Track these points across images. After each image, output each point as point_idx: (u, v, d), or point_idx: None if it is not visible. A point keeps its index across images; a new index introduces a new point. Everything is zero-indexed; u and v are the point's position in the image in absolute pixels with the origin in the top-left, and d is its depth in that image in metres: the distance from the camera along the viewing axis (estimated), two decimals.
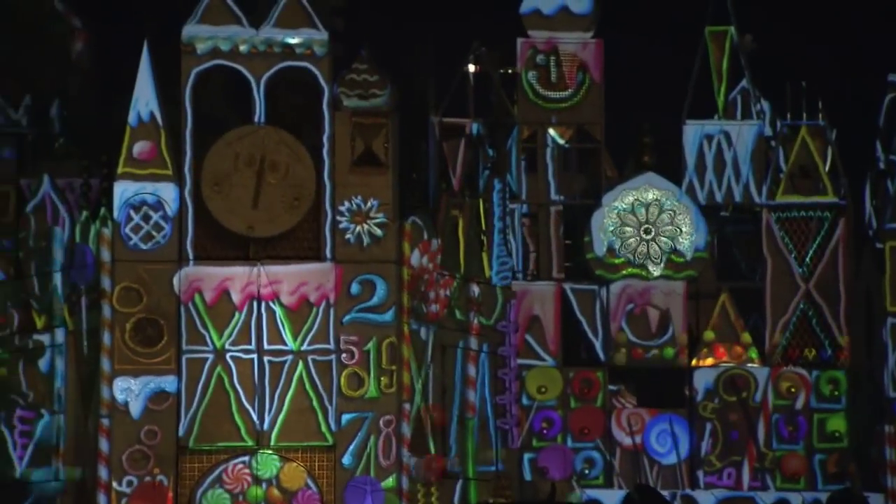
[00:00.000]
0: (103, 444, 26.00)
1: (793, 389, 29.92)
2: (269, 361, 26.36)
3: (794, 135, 30.71)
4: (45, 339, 26.96)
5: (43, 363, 26.99)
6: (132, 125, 26.72)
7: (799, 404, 29.97)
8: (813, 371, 30.07)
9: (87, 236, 26.77)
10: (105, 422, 26.04)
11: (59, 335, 26.85)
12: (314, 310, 26.47)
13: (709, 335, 30.07)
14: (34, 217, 27.61)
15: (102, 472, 25.98)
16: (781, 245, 30.36)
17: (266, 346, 26.35)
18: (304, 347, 26.45)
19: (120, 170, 26.61)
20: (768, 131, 30.95)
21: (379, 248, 26.63)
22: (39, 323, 27.10)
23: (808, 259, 30.34)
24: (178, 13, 27.08)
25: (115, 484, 25.97)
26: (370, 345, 26.50)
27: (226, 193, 26.41)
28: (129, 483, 26.02)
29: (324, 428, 26.30)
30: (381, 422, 26.36)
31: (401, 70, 28.62)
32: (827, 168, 30.54)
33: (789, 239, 30.42)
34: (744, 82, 31.07)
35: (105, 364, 26.24)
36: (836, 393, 29.95)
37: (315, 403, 26.34)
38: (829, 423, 29.93)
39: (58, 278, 26.94)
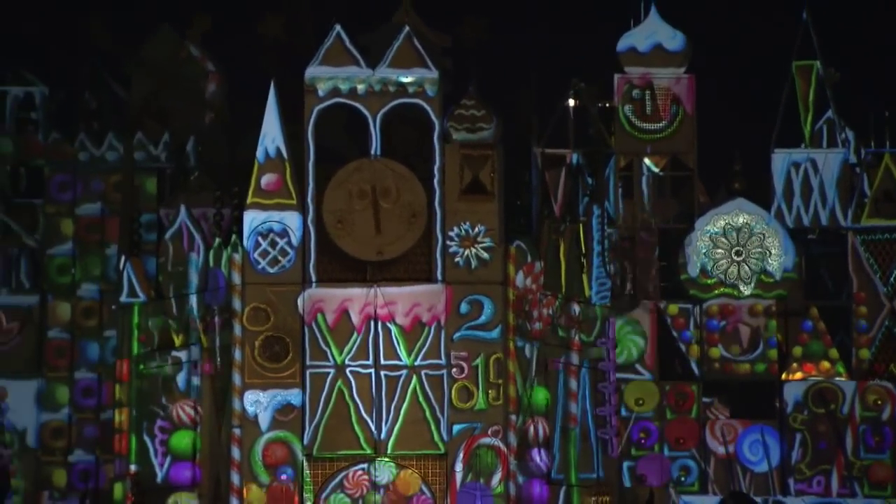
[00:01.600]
0: (235, 452, 26.39)
1: (879, 402, 29.75)
2: (386, 376, 26.67)
3: (878, 161, 30.65)
4: (182, 355, 27.25)
5: (180, 378, 27.22)
6: (260, 160, 27.15)
7: (885, 416, 29.81)
8: None
9: (220, 261, 27.05)
10: (236, 431, 26.41)
11: (195, 352, 27.16)
12: (426, 328, 26.76)
13: (798, 351, 30.03)
14: (172, 244, 27.78)
15: (234, 478, 26.39)
16: (866, 266, 30.37)
17: (382, 362, 26.66)
18: (417, 363, 26.73)
19: (249, 200, 27.02)
20: (853, 158, 30.90)
21: (486, 271, 26.90)
22: (177, 341, 27.40)
23: (892, 279, 30.29)
24: (301, 56, 27.45)
25: (245, 489, 26.35)
26: (478, 360, 26.75)
27: (349, 228, 26.77)
28: (260, 487, 26.31)
29: (436, 437, 26.59)
30: (489, 432, 26.54)
31: (505, 105, 28.68)
32: None
33: (874, 260, 30.38)
34: (829, 113, 31.07)
35: (236, 378, 26.63)
36: None
37: (428, 415, 26.63)
38: None
39: (193, 300, 27.16)
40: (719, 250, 30.07)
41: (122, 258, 28.31)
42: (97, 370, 30.12)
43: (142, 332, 27.53)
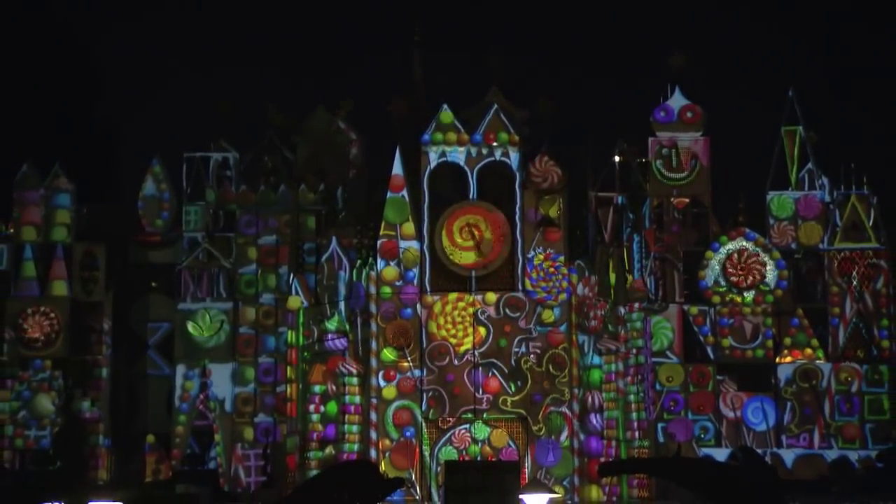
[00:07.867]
0: (372, 416, 28.03)
1: (849, 378, 30.87)
2: (482, 360, 27.70)
3: (847, 200, 31.51)
4: (335, 344, 28.38)
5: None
6: (388, 204, 28.59)
7: (853, 389, 30.66)
8: (863, 365, 30.86)
9: (361, 277, 28.39)
10: (374, 401, 27.93)
11: (344, 343, 28.28)
12: (511, 324, 28.05)
13: (787, 341, 30.87)
14: (326, 265, 29.21)
15: (372, 434, 27.92)
16: (839, 277, 31.20)
17: (479, 349, 27.69)
18: (505, 349, 27.99)
19: (381, 233, 28.47)
20: (828, 198, 31.64)
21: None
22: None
23: (855, 286, 31.06)
24: (419, 126, 28.74)
25: (380, 443, 27.78)
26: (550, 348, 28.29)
27: (459, 253, 28.16)
28: (391, 442, 27.68)
29: (519, 405, 27.87)
30: (558, 401, 27.67)
31: (569, 161, 29.78)
32: (871, 223, 31.19)
33: (845, 272, 31.32)
34: (809, 164, 31.67)
35: (373, 362, 28.03)
36: (881, 380, 30.56)
37: (513, 388, 27.92)
38: (875, 401, 30.45)
39: (341, 305, 28.41)
40: (728, 266, 30.60)
41: (291, 275, 30.11)
42: (274, 356, 30.77)
43: (305, 329, 28.66)
